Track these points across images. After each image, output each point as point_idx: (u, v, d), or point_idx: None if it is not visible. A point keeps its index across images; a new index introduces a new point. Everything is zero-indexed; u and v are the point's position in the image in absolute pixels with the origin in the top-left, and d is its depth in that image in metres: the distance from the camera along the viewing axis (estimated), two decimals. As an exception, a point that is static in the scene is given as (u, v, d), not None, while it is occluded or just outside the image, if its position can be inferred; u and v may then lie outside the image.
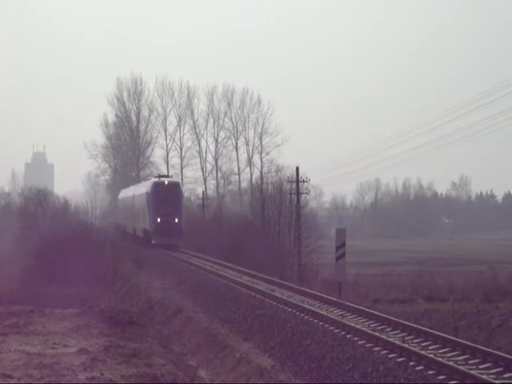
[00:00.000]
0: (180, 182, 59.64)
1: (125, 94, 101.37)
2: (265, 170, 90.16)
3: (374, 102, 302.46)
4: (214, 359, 18.85)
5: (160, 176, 53.98)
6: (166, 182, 49.70)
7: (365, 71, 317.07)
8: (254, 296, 25.29)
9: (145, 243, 50.11)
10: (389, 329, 18.96)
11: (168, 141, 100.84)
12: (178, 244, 47.48)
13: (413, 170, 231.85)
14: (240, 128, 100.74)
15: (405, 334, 18.17)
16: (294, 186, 43.87)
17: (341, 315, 21.05)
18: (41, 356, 18.31)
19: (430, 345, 16.86)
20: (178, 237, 47.43)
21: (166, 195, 47.64)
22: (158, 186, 48.74)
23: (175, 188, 49.63)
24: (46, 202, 67.75)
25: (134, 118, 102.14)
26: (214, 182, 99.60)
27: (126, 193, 67.49)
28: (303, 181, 43.85)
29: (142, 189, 53.34)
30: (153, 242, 47.36)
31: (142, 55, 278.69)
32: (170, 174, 69.21)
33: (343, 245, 27.92)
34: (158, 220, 47.07)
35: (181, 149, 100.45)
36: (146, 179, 62.84)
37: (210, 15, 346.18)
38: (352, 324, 19.04)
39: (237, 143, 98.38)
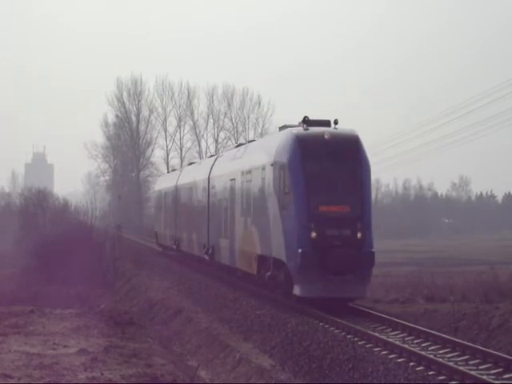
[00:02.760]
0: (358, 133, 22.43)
1: (125, 95, 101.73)
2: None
3: (374, 101, 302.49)
4: (214, 359, 18.85)
5: (306, 122, 22.17)
6: (328, 136, 21.33)
7: (364, 71, 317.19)
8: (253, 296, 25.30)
9: (263, 289, 24.43)
10: (389, 329, 18.97)
11: (168, 141, 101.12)
12: (362, 294, 21.47)
13: (413, 171, 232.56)
14: (240, 128, 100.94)
15: (405, 334, 18.19)
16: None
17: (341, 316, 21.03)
18: (41, 356, 18.31)
19: (430, 345, 16.88)
20: (363, 278, 21.00)
21: (332, 168, 21.13)
22: (309, 146, 21.25)
23: (352, 149, 21.58)
24: (45, 203, 67.83)
25: (134, 118, 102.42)
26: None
27: (177, 177, 41.43)
28: (303, 181, 43.48)
29: (257, 156, 24.75)
30: (297, 292, 20.88)
31: (142, 55, 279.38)
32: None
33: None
34: (314, 235, 20.29)
35: (181, 149, 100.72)
36: (263, 136, 28.82)
37: (210, 15, 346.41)
38: (351, 324, 19.04)
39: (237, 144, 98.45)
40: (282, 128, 24.30)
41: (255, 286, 25.64)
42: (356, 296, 21.65)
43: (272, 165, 22.30)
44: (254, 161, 24.85)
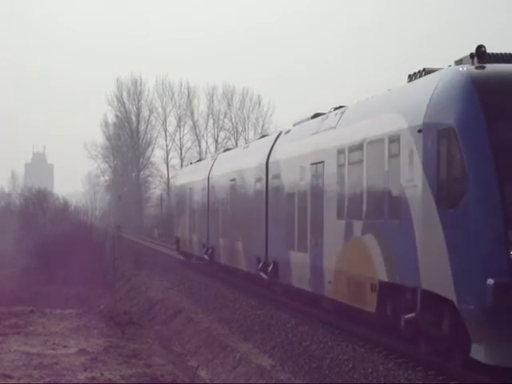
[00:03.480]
0: None
1: (125, 95, 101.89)
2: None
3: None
4: (214, 359, 18.85)
5: (479, 56, 12.99)
6: None
7: (364, 71, 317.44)
8: (253, 296, 25.34)
9: (388, 335, 16.10)
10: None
11: (168, 141, 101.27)
12: None
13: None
14: (240, 128, 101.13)
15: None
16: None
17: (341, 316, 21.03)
18: (41, 356, 18.30)
19: (430, 345, 16.80)
20: None
21: None
22: (497, 96, 12.26)
23: None
24: (45, 203, 67.92)
25: (133, 118, 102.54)
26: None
27: (210, 167, 33.03)
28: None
29: (377, 120, 15.67)
30: (481, 357, 12.12)
31: (142, 55, 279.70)
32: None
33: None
34: None
35: (181, 149, 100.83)
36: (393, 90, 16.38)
37: (210, 15, 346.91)
38: (352, 325, 19.02)
39: (237, 144, 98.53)
40: (414, 75, 15.32)
41: (366, 327, 17.22)
42: None
43: (420, 130, 13.48)
44: (370, 128, 15.93)
